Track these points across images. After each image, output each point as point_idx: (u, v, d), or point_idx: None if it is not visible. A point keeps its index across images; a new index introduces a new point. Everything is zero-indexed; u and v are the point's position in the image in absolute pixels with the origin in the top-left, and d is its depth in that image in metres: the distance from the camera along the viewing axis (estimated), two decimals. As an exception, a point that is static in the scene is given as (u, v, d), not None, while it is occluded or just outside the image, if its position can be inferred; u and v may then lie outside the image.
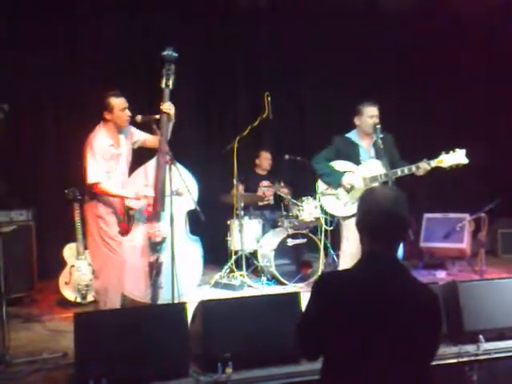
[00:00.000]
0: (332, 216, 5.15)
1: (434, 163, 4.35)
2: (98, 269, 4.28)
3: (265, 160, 6.86)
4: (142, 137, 4.49)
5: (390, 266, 1.92)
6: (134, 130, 4.45)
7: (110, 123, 4.23)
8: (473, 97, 7.43)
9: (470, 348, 3.52)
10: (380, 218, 1.91)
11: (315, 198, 5.49)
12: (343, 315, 1.83)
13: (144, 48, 6.48)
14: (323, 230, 5.68)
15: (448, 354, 3.43)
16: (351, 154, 4.69)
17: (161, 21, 6.53)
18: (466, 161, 4.32)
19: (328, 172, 4.72)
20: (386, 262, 1.92)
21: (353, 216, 4.59)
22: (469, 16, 7.09)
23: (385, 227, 1.91)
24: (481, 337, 3.53)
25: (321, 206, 5.00)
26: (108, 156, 4.18)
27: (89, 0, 6.19)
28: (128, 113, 4.24)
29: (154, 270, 4.37)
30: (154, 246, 4.41)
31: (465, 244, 6.20)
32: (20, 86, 5.90)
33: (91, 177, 4.11)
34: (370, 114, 4.60)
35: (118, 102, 4.19)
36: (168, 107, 4.41)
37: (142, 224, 4.49)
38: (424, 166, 4.36)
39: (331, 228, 5.69)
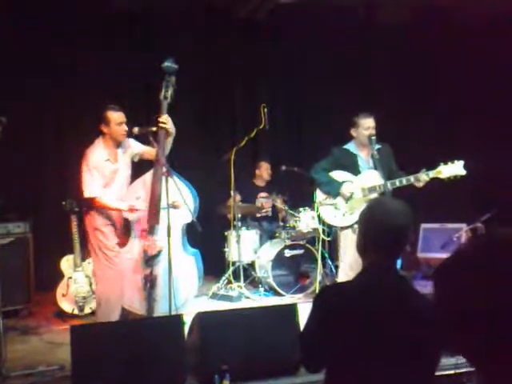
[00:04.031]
0: (329, 226, 5.16)
1: (432, 174, 4.38)
2: (98, 280, 4.30)
3: (265, 170, 6.86)
4: (140, 149, 4.49)
5: (391, 278, 1.93)
6: (132, 142, 4.45)
7: (107, 137, 4.25)
8: (470, 107, 7.47)
9: (468, 359, 3.50)
10: (391, 233, 1.91)
11: (313, 208, 5.50)
12: (346, 327, 1.84)
13: (142, 60, 6.50)
14: (320, 240, 5.66)
15: (445, 365, 3.41)
16: (350, 164, 4.72)
17: (159, 32, 6.58)
18: (463, 172, 4.35)
19: (327, 181, 4.75)
20: (388, 273, 1.93)
21: (351, 226, 4.60)
22: (468, 25, 7.13)
23: (393, 241, 1.92)
24: (478, 347, 3.52)
25: (318, 216, 5.00)
26: (104, 171, 4.20)
27: (88, 13, 6.21)
28: (125, 127, 4.24)
29: (148, 282, 4.36)
30: (149, 259, 4.39)
31: (462, 254, 6.19)
32: (20, 100, 5.91)
33: (86, 191, 4.15)
34: (366, 126, 4.62)
35: (116, 117, 4.21)
36: (163, 121, 4.36)
37: (138, 237, 4.48)
38: (422, 177, 4.39)
39: (329, 239, 5.69)
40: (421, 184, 4.43)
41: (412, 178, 4.42)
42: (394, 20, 7.09)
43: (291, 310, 3.53)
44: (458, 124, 7.36)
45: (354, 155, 4.73)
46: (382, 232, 1.93)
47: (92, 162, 4.15)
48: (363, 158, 4.74)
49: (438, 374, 1.95)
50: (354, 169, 4.70)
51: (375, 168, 4.64)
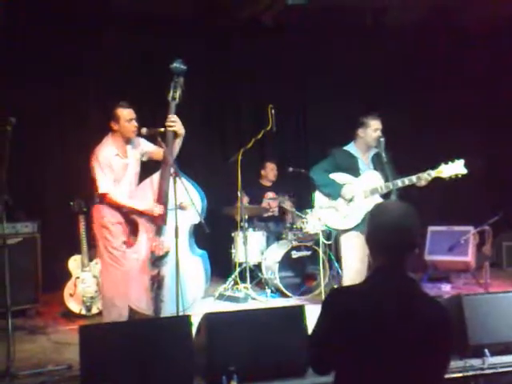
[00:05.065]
0: (333, 229, 5.12)
1: (433, 174, 4.40)
2: (104, 279, 4.32)
3: (270, 170, 6.88)
4: (150, 149, 4.51)
5: (400, 281, 1.92)
6: (142, 141, 4.48)
7: (117, 134, 4.28)
8: (475, 109, 7.47)
9: (476, 362, 3.50)
10: (393, 234, 1.91)
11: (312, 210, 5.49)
12: (354, 331, 1.84)
13: (148, 61, 6.53)
14: (321, 242, 5.61)
15: (453, 368, 3.41)
16: (350, 166, 4.67)
17: (165, 35, 6.60)
18: (464, 171, 4.37)
19: (327, 183, 4.68)
20: (396, 276, 1.92)
21: (353, 229, 4.57)
22: (473, 28, 7.14)
23: (398, 243, 1.91)
24: (486, 351, 3.51)
25: (319, 218, 4.97)
26: (113, 165, 4.22)
27: (92, 15, 6.23)
28: (135, 124, 4.28)
29: (155, 283, 4.37)
30: (157, 260, 4.40)
31: (469, 257, 6.18)
32: (25, 100, 5.94)
33: (101, 187, 4.18)
34: (375, 127, 4.60)
35: (125, 113, 4.24)
36: (171, 121, 4.37)
37: (146, 237, 4.49)
38: (424, 177, 4.41)
39: (330, 242, 5.65)
40: (423, 183, 4.45)
41: (414, 178, 4.43)
42: (400, 22, 7.09)
43: (299, 311, 3.53)
44: (463, 126, 7.35)
45: (354, 157, 4.69)
46: (384, 234, 1.93)
47: (102, 158, 4.18)
48: (363, 160, 4.70)
49: (446, 376, 1.95)
50: (353, 171, 4.65)
51: (376, 169, 4.62)
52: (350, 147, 4.73)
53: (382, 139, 4.55)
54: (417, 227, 1.94)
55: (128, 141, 4.34)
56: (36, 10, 6.04)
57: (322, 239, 5.57)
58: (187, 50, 6.27)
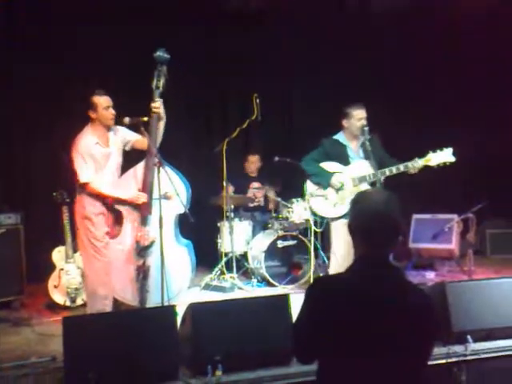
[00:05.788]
0: (321, 217, 5.17)
1: (421, 162, 4.43)
2: (86, 270, 4.30)
3: (251, 164, 6.88)
4: (132, 138, 4.47)
5: (383, 270, 1.92)
6: (122, 129, 4.43)
7: (96, 122, 4.24)
8: (463, 98, 7.48)
9: (458, 348, 3.53)
10: (372, 221, 1.91)
11: (304, 200, 5.51)
12: (337, 319, 1.84)
13: (133, 50, 6.45)
14: (312, 231, 5.66)
15: (436, 354, 3.45)
16: (340, 155, 4.73)
17: (148, 22, 6.52)
18: (453, 159, 4.41)
19: (317, 172, 4.76)
20: (379, 265, 1.92)
21: (342, 217, 4.62)
22: (465, 17, 7.12)
23: (377, 230, 1.91)
24: (469, 337, 3.55)
25: (310, 207, 5.01)
26: (94, 155, 4.18)
27: (78, 3, 6.13)
28: (112, 111, 4.24)
29: (141, 274, 4.35)
30: (142, 250, 4.38)
31: (453, 245, 6.23)
32: (9, 92, 5.86)
33: (82, 177, 4.14)
34: (358, 117, 4.64)
35: (102, 101, 4.20)
36: (156, 106, 4.36)
37: (131, 227, 4.47)
38: (412, 165, 4.44)
39: (321, 230, 5.68)
40: (412, 171, 4.47)
41: (402, 167, 4.47)
42: (389, 7, 7.06)
43: (284, 300, 3.53)
44: (450, 113, 7.37)
45: (344, 146, 4.75)
46: (364, 220, 1.93)
47: (82, 147, 4.14)
48: (352, 148, 4.76)
49: (429, 363, 1.97)
50: (343, 159, 4.72)
51: (366, 158, 4.66)
52: (339, 136, 4.79)
53: (366, 128, 4.59)
54: (397, 214, 1.94)
55: (108, 129, 4.30)
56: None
57: (312, 227, 5.58)
58: (173, 39, 6.23)
